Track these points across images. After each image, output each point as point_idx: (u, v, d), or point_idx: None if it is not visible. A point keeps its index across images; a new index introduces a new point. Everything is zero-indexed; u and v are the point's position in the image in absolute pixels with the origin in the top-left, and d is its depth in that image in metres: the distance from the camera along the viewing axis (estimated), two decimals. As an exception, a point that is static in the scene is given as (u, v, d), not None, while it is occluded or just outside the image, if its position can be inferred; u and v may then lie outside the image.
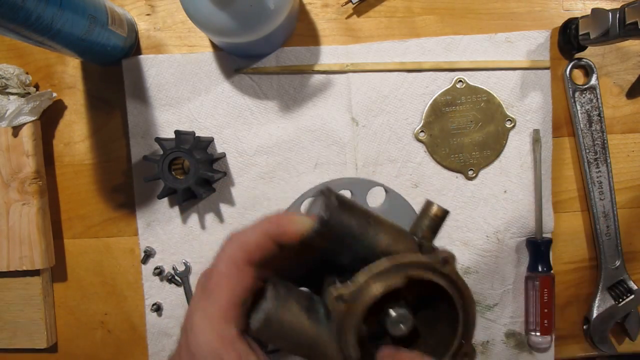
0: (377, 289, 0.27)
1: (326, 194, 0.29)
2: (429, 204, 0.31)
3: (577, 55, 0.51)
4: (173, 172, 0.47)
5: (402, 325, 0.29)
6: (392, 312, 0.29)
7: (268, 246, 0.29)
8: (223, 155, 0.51)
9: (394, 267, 0.28)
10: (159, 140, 0.47)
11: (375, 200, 0.51)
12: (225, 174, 0.50)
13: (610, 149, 0.51)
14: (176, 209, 0.52)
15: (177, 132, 0.46)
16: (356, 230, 0.28)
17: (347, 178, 0.51)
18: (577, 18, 0.48)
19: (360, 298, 0.27)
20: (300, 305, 0.29)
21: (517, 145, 0.51)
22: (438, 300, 0.30)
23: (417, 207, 0.51)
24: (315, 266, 0.32)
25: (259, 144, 0.51)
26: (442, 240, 0.51)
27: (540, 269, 0.50)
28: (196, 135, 0.48)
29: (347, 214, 0.29)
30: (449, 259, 0.29)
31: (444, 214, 0.30)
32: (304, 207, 0.50)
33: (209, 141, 0.50)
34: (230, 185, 0.52)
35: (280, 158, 0.51)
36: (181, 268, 0.52)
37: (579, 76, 0.52)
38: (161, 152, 0.47)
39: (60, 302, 0.53)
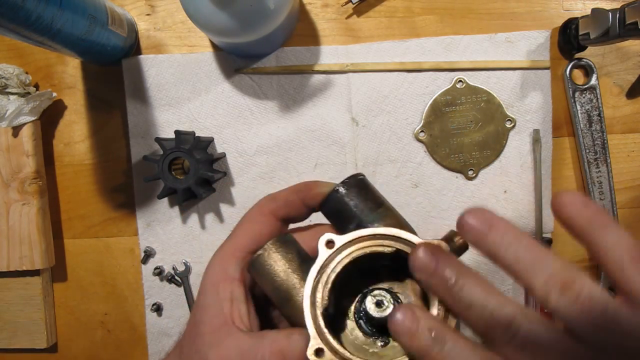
0: (367, 247, 0.29)
1: (356, 174, 0.32)
2: (452, 233, 0.31)
3: (577, 55, 0.51)
4: (173, 172, 0.47)
5: (382, 308, 0.29)
6: (370, 297, 0.29)
7: (295, 202, 0.32)
8: (223, 155, 0.51)
9: (392, 238, 0.29)
10: (159, 140, 0.47)
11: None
12: (225, 174, 0.50)
13: (610, 149, 0.51)
14: (176, 209, 0.52)
15: (177, 132, 0.46)
16: (366, 204, 0.31)
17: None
18: (577, 18, 0.48)
19: (347, 251, 0.28)
20: (298, 255, 0.31)
21: (517, 145, 0.51)
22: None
23: (418, 207, 0.51)
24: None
25: (259, 144, 0.51)
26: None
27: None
28: (196, 135, 0.48)
29: (362, 190, 0.32)
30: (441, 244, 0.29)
31: (464, 245, 0.31)
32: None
33: (209, 141, 0.50)
34: (230, 185, 0.52)
35: (280, 158, 0.51)
36: (181, 268, 0.52)
37: (579, 76, 0.52)
38: (161, 152, 0.47)
39: (60, 302, 0.53)
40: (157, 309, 0.52)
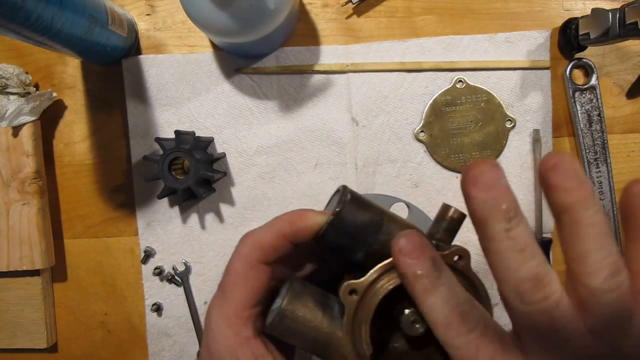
0: (389, 282, 0.28)
1: (341, 190, 0.30)
2: (446, 207, 0.31)
3: (577, 55, 0.51)
4: (173, 172, 0.47)
5: (417, 325, 0.29)
6: (407, 311, 0.29)
7: (282, 245, 0.30)
8: (223, 155, 0.51)
9: None
10: (159, 140, 0.47)
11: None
12: (225, 173, 0.50)
13: (610, 149, 0.51)
14: (176, 209, 0.52)
15: (177, 132, 0.46)
16: (369, 225, 0.29)
17: (369, 194, 0.51)
18: (577, 18, 0.48)
19: (372, 292, 0.28)
20: (315, 301, 0.30)
21: (517, 145, 0.51)
22: None
23: (419, 207, 0.51)
24: (337, 270, 0.32)
25: (259, 144, 0.51)
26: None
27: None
28: (196, 135, 0.48)
29: (362, 210, 0.29)
30: (463, 255, 0.29)
31: (461, 216, 0.31)
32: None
33: (209, 141, 0.50)
34: (230, 185, 0.52)
35: (280, 158, 0.51)
36: (181, 268, 0.52)
37: (579, 76, 0.52)
38: (161, 152, 0.47)
39: (60, 302, 0.53)
40: (157, 309, 0.52)
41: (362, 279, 0.28)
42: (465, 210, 0.25)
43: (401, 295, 0.29)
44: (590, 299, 0.21)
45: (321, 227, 0.29)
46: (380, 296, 0.28)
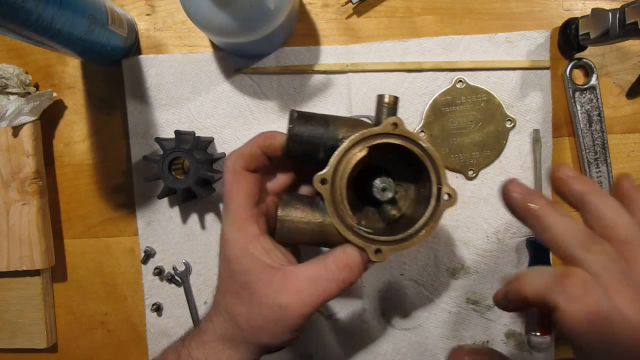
0: (347, 164, 0.35)
1: (290, 112, 0.37)
2: (380, 96, 0.37)
3: (577, 55, 0.51)
4: (173, 172, 0.47)
5: (386, 192, 0.37)
6: (378, 181, 0.38)
7: (259, 155, 0.36)
8: (223, 156, 0.51)
9: (356, 143, 0.35)
10: (159, 140, 0.47)
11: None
12: None
13: (610, 149, 0.51)
14: (176, 209, 0.52)
15: (177, 132, 0.46)
16: (318, 128, 0.36)
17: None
18: (577, 18, 0.48)
19: (338, 175, 0.35)
20: (303, 203, 0.37)
21: (517, 145, 0.51)
22: (413, 165, 0.37)
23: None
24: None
25: (259, 144, 0.51)
26: (442, 240, 0.51)
27: (540, 269, 0.50)
28: (196, 135, 0.48)
29: (308, 121, 0.36)
30: (397, 122, 0.36)
31: (395, 99, 0.37)
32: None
33: (209, 141, 0.50)
34: (230, 185, 0.52)
35: (280, 158, 0.51)
36: (181, 268, 0.52)
37: (579, 76, 0.52)
38: (161, 152, 0.47)
39: (60, 302, 0.53)
40: (157, 309, 0.52)
41: (327, 168, 0.35)
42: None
43: (372, 173, 0.38)
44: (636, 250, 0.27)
45: (284, 142, 0.36)
46: (346, 175, 0.35)
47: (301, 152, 0.37)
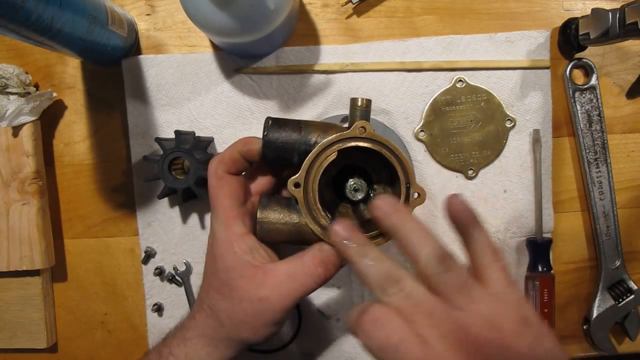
0: (318, 169, 0.37)
1: (265, 120, 0.39)
2: (354, 100, 0.39)
3: (577, 55, 0.51)
4: (173, 172, 0.47)
5: (358, 192, 0.41)
6: (350, 182, 0.41)
7: (238, 159, 0.39)
8: None
9: (326, 147, 0.37)
10: (159, 140, 0.47)
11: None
12: None
13: (610, 149, 0.51)
14: (176, 209, 0.52)
15: (177, 132, 0.46)
16: (291, 134, 0.39)
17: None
18: (577, 18, 0.48)
19: (310, 179, 0.38)
20: (281, 205, 0.40)
21: (517, 145, 0.51)
22: (389, 166, 0.38)
23: (420, 207, 0.51)
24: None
25: (259, 144, 0.51)
26: (443, 239, 0.51)
27: (540, 269, 0.50)
28: (196, 135, 0.48)
29: (282, 127, 0.39)
30: (364, 125, 0.37)
31: (368, 102, 0.39)
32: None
33: (209, 141, 0.50)
34: (230, 185, 0.52)
35: (280, 158, 0.51)
36: (182, 268, 0.52)
37: (579, 76, 0.52)
38: (161, 152, 0.46)
39: (60, 302, 0.53)
40: (158, 309, 0.52)
41: (299, 172, 0.37)
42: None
43: (346, 175, 0.41)
44: (434, 281, 0.29)
45: (259, 148, 0.39)
46: (318, 179, 0.37)
47: (276, 157, 0.39)
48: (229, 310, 0.37)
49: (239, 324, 0.36)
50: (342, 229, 0.32)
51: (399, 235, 0.31)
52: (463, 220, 0.32)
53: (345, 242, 0.32)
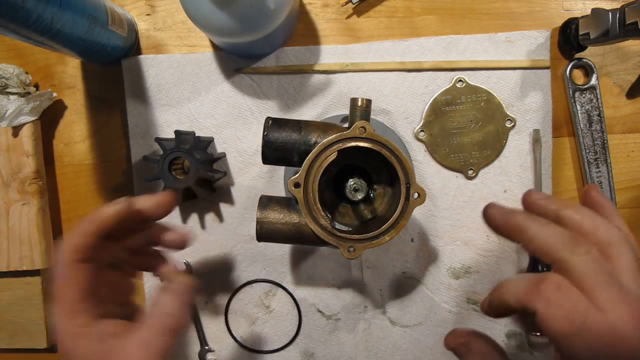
0: (318, 169, 0.37)
1: (265, 120, 0.39)
2: (354, 100, 0.39)
3: (577, 55, 0.51)
4: (173, 172, 0.47)
5: (358, 192, 0.40)
6: (350, 182, 0.40)
7: (90, 241, 0.34)
8: (223, 155, 0.51)
9: (326, 147, 0.37)
10: (159, 140, 0.47)
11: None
12: (225, 173, 0.50)
13: (610, 149, 0.51)
14: (176, 209, 0.52)
15: (177, 132, 0.46)
16: (291, 134, 0.39)
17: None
18: (577, 18, 0.48)
19: (310, 179, 0.37)
20: (280, 205, 0.40)
21: (517, 145, 0.51)
22: (389, 166, 0.38)
23: (420, 207, 0.51)
24: None
25: (259, 144, 0.51)
26: (443, 240, 0.51)
27: (540, 269, 0.50)
28: (196, 135, 0.48)
29: (281, 127, 0.39)
30: (364, 126, 0.37)
31: (368, 102, 0.39)
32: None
33: (209, 141, 0.50)
34: (230, 185, 0.52)
35: (280, 158, 0.51)
36: (182, 268, 0.52)
37: (579, 76, 0.52)
38: (161, 152, 0.46)
39: (60, 302, 0.53)
40: (157, 309, 0.52)
41: (299, 172, 0.37)
42: None
43: (346, 175, 0.41)
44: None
45: (115, 213, 0.34)
46: (318, 179, 0.37)
47: (276, 157, 0.39)
48: None
49: None
50: (498, 209, 0.32)
51: (566, 216, 0.29)
52: (551, 210, 0.31)
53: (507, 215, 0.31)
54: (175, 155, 0.46)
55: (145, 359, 0.32)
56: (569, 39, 0.49)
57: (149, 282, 0.52)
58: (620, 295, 0.26)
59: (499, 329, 0.52)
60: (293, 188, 0.37)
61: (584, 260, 0.27)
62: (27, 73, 0.50)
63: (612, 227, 0.29)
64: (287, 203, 0.40)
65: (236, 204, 0.52)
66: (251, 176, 0.51)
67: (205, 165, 0.46)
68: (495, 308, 0.30)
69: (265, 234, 0.39)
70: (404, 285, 0.52)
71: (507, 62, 0.51)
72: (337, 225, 0.40)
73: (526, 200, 0.33)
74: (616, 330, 0.25)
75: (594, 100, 0.51)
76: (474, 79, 0.51)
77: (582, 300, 0.26)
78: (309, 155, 0.37)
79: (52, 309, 0.33)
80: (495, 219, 0.32)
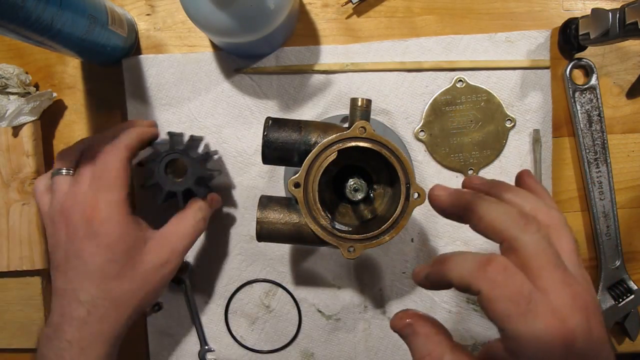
0: (318, 169, 0.37)
1: (265, 120, 0.39)
2: (354, 100, 0.39)
3: (577, 55, 0.51)
4: (169, 175, 0.46)
5: (358, 192, 0.41)
6: (350, 182, 0.41)
7: (137, 145, 0.43)
8: (216, 153, 0.51)
9: (326, 147, 0.37)
10: (153, 145, 0.46)
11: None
12: (221, 171, 0.50)
13: (610, 149, 0.51)
14: (176, 209, 0.52)
15: (170, 134, 0.46)
16: (291, 134, 0.39)
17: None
18: (577, 18, 0.48)
19: (310, 179, 0.38)
20: (280, 205, 0.40)
21: (517, 145, 0.51)
22: (389, 166, 0.38)
23: (420, 207, 0.51)
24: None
25: (259, 144, 0.51)
26: (443, 239, 0.51)
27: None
28: (189, 135, 0.48)
29: (281, 127, 0.39)
30: (364, 126, 0.38)
31: (368, 102, 0.39)
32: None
33: (200, 140, 0.49)
34: (230, 185, 0.52)
35: (280, 158, 0.51)
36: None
37: (579, 76, 0.52)
38: (148, 154, 0.45)
39: (60, 302, 0.53)
40: (158, 309, 0.52)
41: (299, 172, 0.37)
42: None
43: (346, 175, 0.41)
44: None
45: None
46: (318, 179, 0.37)
47: (276, 157, 0.39)
48: (133, 289, 0.39)
49: (143, 297, 0.40)
50: (443, 189, 0.32)
51: (507, 199, 0.30)
52: (492, 194, 0.31)
53: (465, 192, 0.31)
54: (171, 157, 0.45)
55: (182, 246, 0.42)
56: (569, 39, 0.49)
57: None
58: (563, 277, 0.26)
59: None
60: (293, 188, 0.37)
61: (535, 239, 0.27)
62: (27, 73, 0.50)
63: (552, 209, 0.29)
64: (287, 203, 0.40)
65: (236, 204, 0.52)
66: (251, 176, 0.51)
67: (202, 164, 0.46)
68: (433, 283, 0.30)
69: (265, 234, 0.39)
70: (404, 285, 0.52)
71: (507, 62, 0.51)
72: (337, 225, 0.40)
73: (467, 185, 0.33)
74: (557, 312, 0.25)
75: (594, 100, 0.51)
76: (474, 79, 0.51)
77: (526, 283, 0.26)
78: (309, 155, 0.38)
79: (98, 196, 0.39)
80: (442, 200, 0.32)
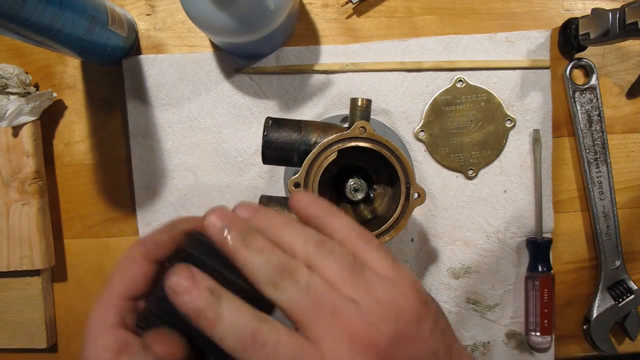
0: (317, 170, 0.37)
1: (265, 120, 0.40)
2: (354, 100, 0.39)
3: (577, 55, 0.51)
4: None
5: (358, 192, 0.41)
6: (350, 182, 0.41)
7: (165, 243, 0.30)
8: None
9: (326, 147, 0.37)
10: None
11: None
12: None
13: (610, 149, 0.51)
14: (176, 209, 0.52)
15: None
16: (291, 134, 0.39)
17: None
18: (577, 18, 0.48)
19: (310, 180, 0.38)
20: (280, 205, 0.40)
21: (517, 145, 0.51)
22: (389, 166, 0.38)
23: (420, 207, 0.51)
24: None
25: (259, 144, 0.51)
26: (443, 240, 0.51)
27: (540, 269, 0.50)
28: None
29: (281, 127, 0.39)
30: (364, 125, 0.38)
31: (368, 102, 0.39)
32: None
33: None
34: (230, 186, 0.52)
35: (280, 158, 0.51)
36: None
37: (579, 76, 0.52)
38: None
39: (60, 302, 0.53)
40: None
41: (299, 172, 0.37)
42: None
43: (346, 175, 0.41)
44: (321, 268, 0.25)
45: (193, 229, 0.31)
46: (318, 179, 0.38)
47: (276, 157, 0.39)
48: None
49: None
50: (217, 218, 0.25)
51: (267, 231, 0.26)
52: (314, 213, 0.27)
53: (225, 231, 0.25)
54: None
55: None
56: (569, 39, 0.49)
57: (149, 282, 0.52)
58: (333, 320, 0.23)
59: (499, 329, 0.52)
60: (293, 188, 0.38)
61: (286, 297, 0.24)
62: (27, 73, 0.50)
63: (307, 240, 0.25)
64: (287, 203, 0.40)
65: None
66: (251, 176, 0.51)
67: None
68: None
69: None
70: (404, 285, 0.52)
71: (507, 62, 0.51)
72: None
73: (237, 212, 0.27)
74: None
75: (594, 100, 0.51)
76: (474, 79, 0.51)
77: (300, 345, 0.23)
78: (309, 155, 0.38)
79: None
80: (212, 232, 0.26)
